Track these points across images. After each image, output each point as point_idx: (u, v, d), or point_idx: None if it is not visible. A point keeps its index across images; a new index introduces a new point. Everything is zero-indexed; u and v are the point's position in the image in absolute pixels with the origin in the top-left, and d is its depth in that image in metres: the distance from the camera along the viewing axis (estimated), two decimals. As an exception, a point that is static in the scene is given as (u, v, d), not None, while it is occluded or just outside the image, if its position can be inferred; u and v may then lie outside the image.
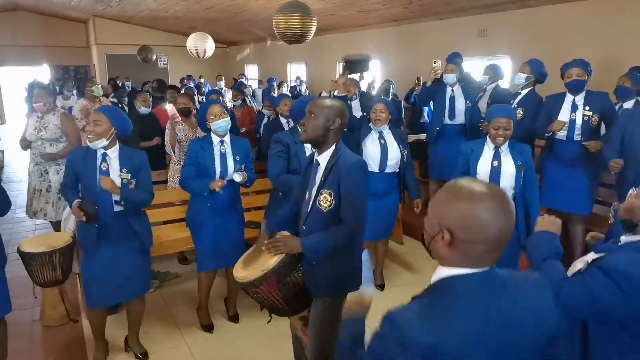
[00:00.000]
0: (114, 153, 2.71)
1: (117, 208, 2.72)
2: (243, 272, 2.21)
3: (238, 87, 8.38)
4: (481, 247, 1.08)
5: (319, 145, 2.20)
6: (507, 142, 2.98)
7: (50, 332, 3.42)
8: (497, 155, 2.98)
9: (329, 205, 2.14)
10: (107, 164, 2.68)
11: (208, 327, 3.41)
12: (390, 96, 6.33)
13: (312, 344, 2.31)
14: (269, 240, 2.21)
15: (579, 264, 1.68)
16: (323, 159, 2.20)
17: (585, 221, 3.76)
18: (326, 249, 2.13)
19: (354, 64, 3.81)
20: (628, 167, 3.22)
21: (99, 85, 5.87)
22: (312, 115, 2.18)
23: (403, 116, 6.34)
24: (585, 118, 3.58)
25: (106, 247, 2.72)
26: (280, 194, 3.15)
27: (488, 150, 3.02)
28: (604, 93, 3.70)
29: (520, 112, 4.12)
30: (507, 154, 2.99)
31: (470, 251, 1.08)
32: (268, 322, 2.49)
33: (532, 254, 1.73)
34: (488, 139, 3.03)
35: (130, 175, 2.71)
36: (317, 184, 2.20)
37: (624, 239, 1.61)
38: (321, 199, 2.15)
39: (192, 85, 10.19)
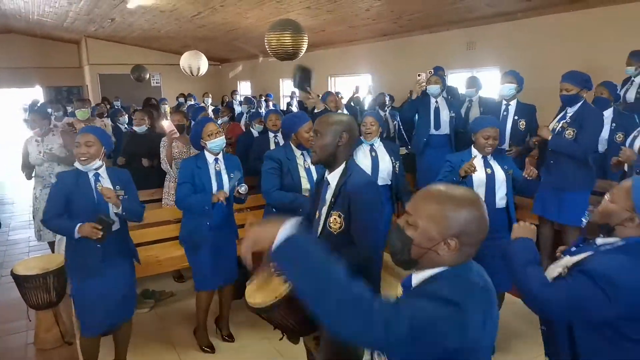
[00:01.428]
0: (104, 172, 2.71)
1: (114, 227, 2.69)
2: (255, 297, 2.11)
3: (248, 102, 8.43)
4: (475, 247, 1.20)
5: (330, 164, 2.12)
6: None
7: (44, 355, 3.37)
8: (487, 163, 3.03)
9: (339, 227, 2.06)
10: (101, 184, 2.66)
11: (209, 348, 3.35)
12: (386, 110, 6.38)
13: None
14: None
15: (556, 269, 1.69)
16: (333, 178, 2.12)
17: (575, 232, 3.76)
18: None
19: (301, 81, 3.91)
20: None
21: (86, 109, 5.73)
22: (319, 134, 2.09)
23: (400, 128, 6.38)
24: (560, 129, 3.61)
25: (106, 268, 2.67)
26: (274, 209, 3.16)
27: (478, 160, 3.04)
28: (594, 109, 3.68)
29: (523, 123, 4.18)
30: (495, 162, 3.05)
31: (468, 253, 1.20)
32: (280, 339, 2.34)
33: (512, 261, 1.73)
34: (473, 149, 3.06)
35: (124, 191, 2.71)
36: (327, 204, 2.13)
37: (599, 241, 1.63)
38: (331, 221, 2.08)
39: (192, 102, 10.02)
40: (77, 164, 2.65)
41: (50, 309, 3.38)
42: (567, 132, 3.55)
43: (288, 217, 1.22)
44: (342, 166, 2.10)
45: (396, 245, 1.27)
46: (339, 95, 7.70)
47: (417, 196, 1.27)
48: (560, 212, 3.70)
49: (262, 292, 2.12)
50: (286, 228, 1.20)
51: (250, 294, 2.17)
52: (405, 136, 6.32)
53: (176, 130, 4.29)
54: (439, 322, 1.09)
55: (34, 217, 4.53)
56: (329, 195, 2.13)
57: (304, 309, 2.12)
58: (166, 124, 4.47)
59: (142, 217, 2.88)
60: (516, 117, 4.21)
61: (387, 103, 6.44)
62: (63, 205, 2.61)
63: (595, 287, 1.47)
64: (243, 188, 3.13)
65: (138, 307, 3.89)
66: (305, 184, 3.03)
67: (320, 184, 2.26)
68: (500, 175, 3.01)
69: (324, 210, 2.14)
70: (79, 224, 2.53)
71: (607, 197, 1.66)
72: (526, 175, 2.94)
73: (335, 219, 2.06)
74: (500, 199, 2.99)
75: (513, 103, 4.27)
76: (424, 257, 1.22)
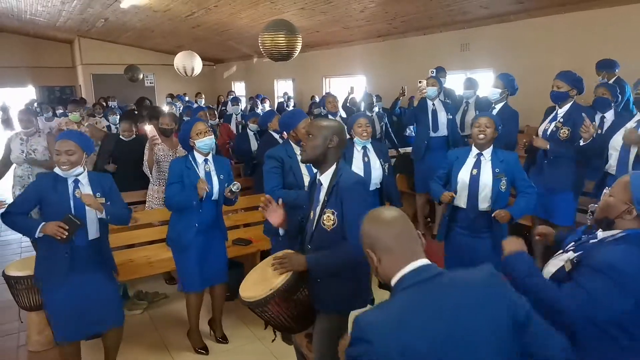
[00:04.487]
0: (84, 179, 2.64)
1: (91, 236, 2.63)
2: (249, 292, 2.21)
3: (232, 103, 8.35)
4: (390, 241, 1.35)
5: (320, 164, 2.24)
6: (490, 149, 3.02)
7: (36, 357, 3.35)
8: (477, 164, 3.01)
9: (333, 224, 2.17)
10: (81, 191, 2.59)
11: (202, 349, 3.34)
12: (375, 110, 6.40)
13: (317, 358, 2.32)
14: (275, 257, 2.22)
15: (556, 262, 1.75)
16: (325, 178, 2.24)
17: (566, 231, 3.79)
18: (330, 265, 2.16)
19: None
20: (597, 172, 3.32)
21: (76, 113, 5.71)
22: (311, 135, 2.23)
23: (389, 129, 6.45)
24: (554, 129, 3.60)
25: (74, 277, 2.59)
26: None
27: (470, 158, 3.06)
28: (586, 107, 3.75)
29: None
30: (488, 162, 3.01)
31: (390, 247, 1.35)
32: (273, 340, 2.50)
33: (513, 275, 1.76)
34: (473, 147, 3.08)
35: (104, 198, 2.65)
36: (320, 203, 2.24)
37: (600, 234, 1.70)
38: (324, 218, 2.19)
39: (179, 104, 9.97)
40: (57, 170, 2.58)
41: (42, 311, 3.35)
42: (561, 131, 3.55)
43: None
44: (333, 167, 2.23)
45: None
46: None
47: None
48: (551, 211, 3.72)
49: (256, 287, 2.20)
50: None
51: (244, 289, 2.25)
52: (393, 137, 6.37)
53: (157, 137, 4.25)
54: None
55: None
56: (322, 195, 2.24)
57: (299, 304, 2.20)
58: (148, 129, 4.41)
59: (128, 221, 2.85)
60: None
61: (374, 104, 6.45)
62: (31, 206, 2.54)
63: (605, 278, 1.53)
64: (235, 186, 3.10)
65: (131, 309, 3.89)
66: (308, 181, 3.03)
67: (313, 186, 2.36)
68: (485, 178, 2.97)
69: (318, 209, 2.25)
70: (43, 223, 2.46)
71: (606, 191, 1.73)
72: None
73: (328, 216, 2.18)
74: (483, 202, 2.97)
75: (498, 107, 4.26)
76: (379, 275, 1.41)
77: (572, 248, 1.76)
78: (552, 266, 1.76)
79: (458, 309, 1.25)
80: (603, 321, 1.58)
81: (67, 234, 2.44)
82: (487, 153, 3.02)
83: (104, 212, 2.59)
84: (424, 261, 1.34)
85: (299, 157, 3.08)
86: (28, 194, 2.58)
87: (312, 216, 2.31)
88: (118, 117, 7.49)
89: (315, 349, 2.33)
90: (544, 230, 2.11)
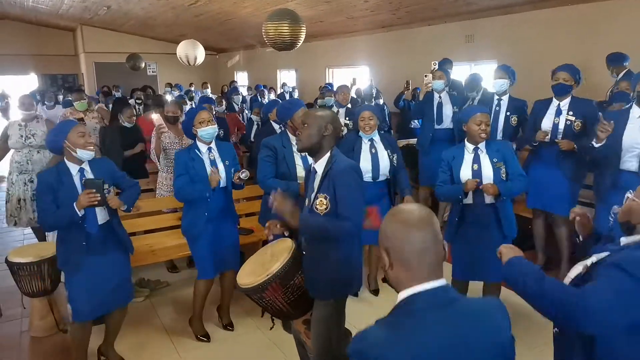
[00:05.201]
0: (87, 166, 2.67)
1: (101, 220, 2.68)
2: (247, 278, 2.26)
3: (232, 93, 8.40)
4: (412, 256, 1.19)
5: (315, 152, 2.29)
6: (484, 142, 3.00)
7: (39, 343, 3.37)
8: (476, 159, 2.99)
9: (325, 209, 2.21)
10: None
11: (204, 337, 3.36)
12: (373, 102, 6.41)
13: (315, 345, 2.35)
14: (274, 196, 2.24)
15: (578, 267, 1.63)
16: (320, 166, 2.28)
17: (568, 222, 3.80)
18: (320, 229, 2.19)
19: None
20: (608, 168, 3.25)
21: (85, 100, 5.74)
22: (306, 125, 2.27)
23: (388, 120, 6.46)
24: (568, 122, 3.60)
25: (93, 261, 2.66)
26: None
27: (468, 154, 3.02)
28: (589, 100, 3.75)
29: (515, 119, 4.17)
30: (485, 155, 2.99)
31: (409, 262, 1.20)
32: (271, 328, 2.56)
33: (521, 282, 1.57)
34: (467, 143, 3.03)
35: (108, 184, 2.67)
36: (315, 190, 2.27)
37: (623, 240, 1.60)
38: (317, 203, 2.22)
39: (177, 93, 10.07)
40: (82, 154, 2.58)
41: (44, 297, 3.38)
42: (575, 124, 3.58)
43: None
44: (327, 155, 2.27)
45: None
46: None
47: None
48: (554, 202, 3.74)
49: (254, 273, 2.26)
50: None
51: (241, 276, 2.30)
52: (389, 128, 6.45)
53: (164, 125, 4.31)
54: None
55: (6, 202, 4.52)
56: (316, 182, 2.27)
57: (295, 289, 2.25)
58: (155, 117, 4.46)
59: (139, 190, 2.96)
60: (508, 113, 4.19)
61: (373, 95, 6.46)
62: (54, 202, 2.56)
63: (631, 278, 1.39)
64: (244, 174, 3.13)
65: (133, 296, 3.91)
66: (301, 172, 3.04)
67: (308, 175, 2.41)
68: (487, 172, 2.95)
69: (312, 195, 2.30)
70: (74, 203, 2.51)
71: (629, 195, 1.61)
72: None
73: (321, 200, 2.21)
74: (488, 195, 2.93)
75: (505, 98, 4.25)
76: (389, 278, 1.29)
77: (594, 253, 1.63)
78: (573, 272, 1.63)
79: (471, 345, 1.17)
80: (631, 324, 1.42)
81: (98, 196, 2.50)
82: (483, 146, 3.00)
83: (125, 206, 2.71)
84: (441, 282, 1.21)
85: (294, 147, 3.09)
86: (44, 195, 2.57)
87: (307, 203, 2.35)
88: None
89: (314, 336, 2.36)
90: (581, 212, 1.90)
